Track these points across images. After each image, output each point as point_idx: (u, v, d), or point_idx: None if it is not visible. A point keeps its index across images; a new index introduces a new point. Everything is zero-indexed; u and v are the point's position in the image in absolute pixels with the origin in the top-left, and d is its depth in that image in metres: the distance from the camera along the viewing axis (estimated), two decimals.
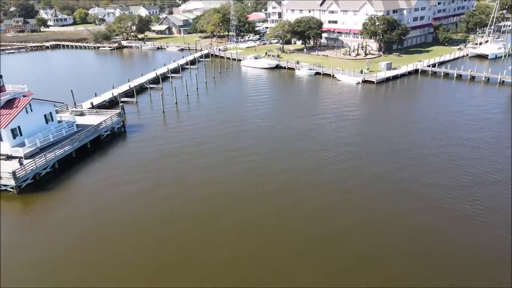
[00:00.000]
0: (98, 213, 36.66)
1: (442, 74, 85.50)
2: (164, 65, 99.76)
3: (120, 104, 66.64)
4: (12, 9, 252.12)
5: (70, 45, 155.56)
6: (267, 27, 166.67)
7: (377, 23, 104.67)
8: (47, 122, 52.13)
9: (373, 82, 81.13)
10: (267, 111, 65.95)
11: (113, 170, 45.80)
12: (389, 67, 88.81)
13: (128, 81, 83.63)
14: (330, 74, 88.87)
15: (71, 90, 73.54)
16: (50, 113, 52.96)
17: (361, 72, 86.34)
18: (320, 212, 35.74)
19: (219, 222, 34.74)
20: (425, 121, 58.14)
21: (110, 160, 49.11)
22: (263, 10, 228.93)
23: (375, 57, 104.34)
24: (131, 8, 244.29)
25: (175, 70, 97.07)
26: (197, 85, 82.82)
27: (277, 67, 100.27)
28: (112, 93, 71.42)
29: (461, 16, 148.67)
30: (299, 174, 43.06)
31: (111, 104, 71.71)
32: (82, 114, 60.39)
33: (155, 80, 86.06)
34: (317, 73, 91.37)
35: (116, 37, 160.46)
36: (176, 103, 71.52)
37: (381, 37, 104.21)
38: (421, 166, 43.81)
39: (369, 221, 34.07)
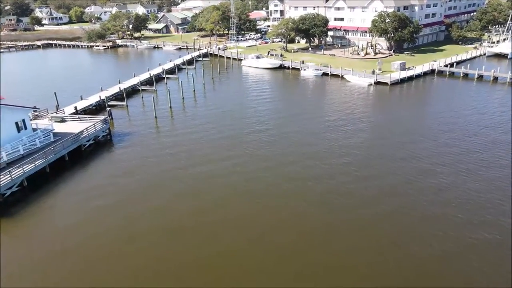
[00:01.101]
0: (69, 251, 29.67)
1: (461, 75, 78.53)
2: (159, 65, 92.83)
3: (107, 109, 59.64)
4: (7, 7, 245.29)
5: (63, 44, 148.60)
6: (268, 26, 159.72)
7: (387, 20, 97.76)
8: (19, 131, 45.17)
9: (387, 83, 74.16)
10: (270, 116, 58.99)
11: (94, 188, 38.88)
12: (402, 67, 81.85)
13: (119, 83, 76.69)
14: (338, 75, 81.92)
15: (55, 93, 66.75)
16: (23, 120, 45.98)
17: (373, 72, 79.40)
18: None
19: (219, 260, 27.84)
20: (452, 129, 51.16)
21: (91, 175, 42.16)
22: (264, 8, 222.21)
23: (386, 57, 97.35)
24: (128, 6, 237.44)
25: (171, 71, 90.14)
26: (194, 87, 75.85)
27: (281, 67, 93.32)
28: (100, 96, 64.39)
29: (472, 13, 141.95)
30: (313, 207, 36.14)
31: (99, 108, 64.77)
32: (63, 120, 53.41)
33: (149, 82, 79.11)
34: (324, 74, 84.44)
35: (111, 36, 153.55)
36: (171, 107, 64.55)
37: (392, 35, 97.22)
38: (458, 201, 36.87)
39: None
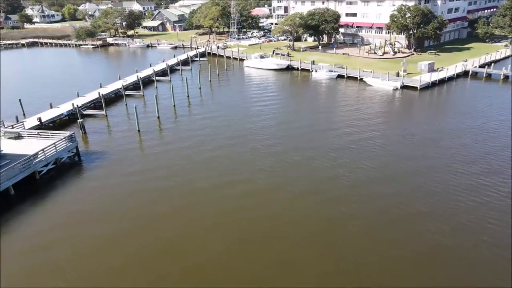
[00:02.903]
0: None
1: (502, 77, 67.20)
2: (150, 66, 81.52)
3: (79, 121, 48.37)
4: None
5: (49, 43, 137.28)
6: (271, 23, 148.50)
7: (408, 15, 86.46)
8: None
9: (416, 87, 62.78)
10: (277, 127, 47.67)
11: (41, 235, 27.82)
12: (431, 68, 70.52)
13: (100, 87, 65.46)
14: (356, 77, 70.59)
15: (19, 100, 55.71)
16: None
17: (397, 74, 68.11)
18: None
19: None
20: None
21: (44, 215, 30.98)
22: (266, 5, 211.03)
23: (407, 56, 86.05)
24: (124, 3, 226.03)
25: (163, 72, 78.86)
26: (189, 92, 64.47)
27: (288, 68, 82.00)
28: (73, 104, 53.07)
29: (492, 9, 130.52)
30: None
31: (73, 118, 53.45)
32: (18, 137, 42.19)
33: (136, 85, 67.82)
34: (339, 76, 73.13)
35: (102, 33, 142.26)
36: (159, 117, 53.27)
37: (414, 31, 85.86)
38: None
39: None
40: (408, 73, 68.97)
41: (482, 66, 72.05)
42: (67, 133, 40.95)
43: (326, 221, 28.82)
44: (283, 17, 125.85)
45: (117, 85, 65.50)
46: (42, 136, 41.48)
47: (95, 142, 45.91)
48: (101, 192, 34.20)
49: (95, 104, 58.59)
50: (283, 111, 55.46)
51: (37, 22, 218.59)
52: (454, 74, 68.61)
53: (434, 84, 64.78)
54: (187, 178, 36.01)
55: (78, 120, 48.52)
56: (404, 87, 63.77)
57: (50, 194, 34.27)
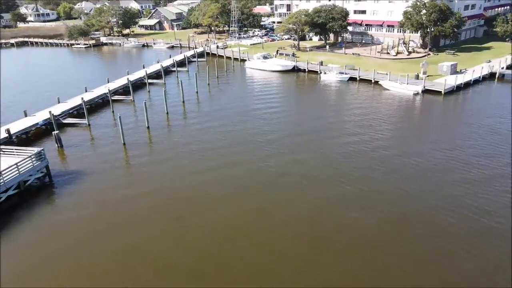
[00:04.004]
0: None
1: None
2: (143, 67, 74.62)
3: (54, 132, 41.53)
4: None
5: (40, 43, 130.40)
6: (273, 22, 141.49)
7: (423, 12, 79.55)
8: None
9: (440, 92, 55.83)
10: (286, 141, 40.78)
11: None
12: (453, 70, 63.63)
13: (86, 91, 58.62)
14: (370, 80, 63.71)
15: None
16: None
17: (417, 77, 61.23)
18: None
19: None
20: None
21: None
22: (267, 4, 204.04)
23: (423, 56, 79.18)
24: (121, 2, 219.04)
25: (157, 74, 71.96)
26: (185, 96, 57.50)
27: (294, 69, 75.08)
28: (50, 111, 46.11)
29: (506, 7, 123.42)
30: None
31: (51, 129, 46.49)
32: None
33: (125, 90, 60.94)
34: (351, 79, 66.24)
35: (96, 32, 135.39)
36: (149, 127, 46.39)
37: (431, 29, 78.88)
38: None
39: None
40: (428, 76, 62.05)
41: (508, 68, 65.23)
42: (35, 149, 34.06)
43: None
44: (285, 16, 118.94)
45: (103, 89, 58.48)
46: (5, 153, 34.55)
47: (73, 158, 39.09)
48: (74, 227, 27.45)
49: (78, 111, 51.72)
50: (291, 120, 48.53)
51: (31, 21, 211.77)
52: (479, 77, 61.68)
53: (459, 88, 57.85)
54: (181, 209, 29.16)
55: (53, 132, 41.61)
56: (426, 91, 56.87)
57: (10, 231, 27.39)
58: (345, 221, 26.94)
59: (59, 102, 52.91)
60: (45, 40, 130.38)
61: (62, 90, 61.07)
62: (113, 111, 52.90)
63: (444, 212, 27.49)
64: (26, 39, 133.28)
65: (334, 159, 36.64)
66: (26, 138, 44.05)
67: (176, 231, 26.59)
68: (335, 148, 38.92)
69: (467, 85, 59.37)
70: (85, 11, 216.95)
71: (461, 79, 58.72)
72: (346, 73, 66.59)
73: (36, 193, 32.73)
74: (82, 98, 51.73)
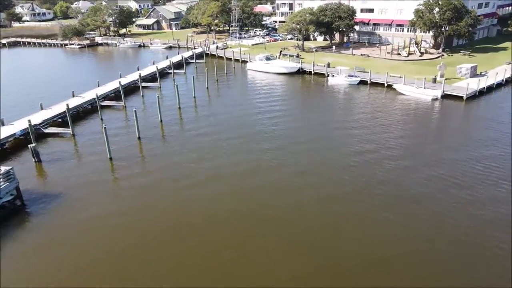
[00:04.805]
0: None
1: None
2: (138, 70, 69.65)
3: (30, 146, 36.61)
4: None
5: (33, 43, 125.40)
6: (275, 21, 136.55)
7: (436, 10, 74.57)
8: None
9: (461, 97, 50.84)
10: (295, 157, 35.82)
11: None
12: (473, 72, 58.71)
13: (73, 96, 53.71)
14: (383, 84, 58.76)
15: None
16: None
17: (434, 80, 56.29)
18: None
19: None
20: None
21: None
22: (268, 3, 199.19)
23: (437, 57, 74.22)
24: (119, 1, 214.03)
25: (152, 77, 67.03)
26: (180, 104, 52.41)
27: (299, 71, 70.11)
28: (29, 120, 41.05)
29: None
30: None
31: (29, 140, 41.61)
32: None
33: (117, 94, 55.98)
34: (361, 82, 61.30)
35: (91, 32, 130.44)
36: (139, 138, 41.46)
37: (446, 29, 73.85)
38: None
39: None
40: (446, 79, 57.09)
41: None
42: (2, 168, 29.13)
43: None
44: (287, 15, 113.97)
45: (91, 94, 53.43)
46: None
47: (51, 176, 34.25)
48: (49, 261, 22.60)
49: (63, 119, 46.76)
50: (298, 131, 43.49)
51: (27, 21, 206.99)
52: (502, 80, 56.70)
53: (481, 93, 52.86)
54: (172, 240, 24.25)
55: (29, 145, 36.66)
56: (444, 96, 51.91)
57: None
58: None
59: (42, 109, 47.94)
60: (38, 40, 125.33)
61: (47, 95, 56.28)
62: (101, 119, 47.97)
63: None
64: (18, 39, 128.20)
65: (346, 181, 31.71)
66: (2, 150, 39.13)
67: (165, 260, 21.69)
68: (347, 165, 33.99)
69: (489, 89, 54.39)
70: (82, 10, 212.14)
71: (483, 82, 53.67)
72: (356, 76, 61.64)
73: (5, 218, 27.80)
74: (67, 105, 46.71)
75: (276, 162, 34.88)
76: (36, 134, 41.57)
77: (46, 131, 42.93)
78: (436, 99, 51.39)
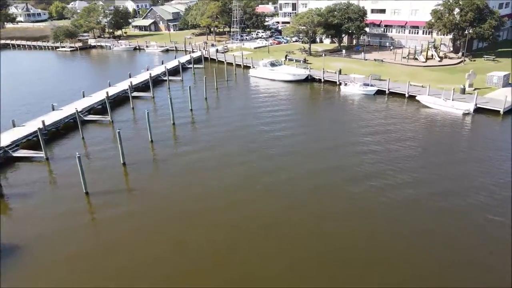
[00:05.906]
0: None
1: None
2: (130, 77, 63.16)
3: None
4: None
5: (23, 45, 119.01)
6: (277, 22, 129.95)
7: (456, 11, 68.04)
8: None
9: (497, 111, 44.22)
10: (304, 185, 29.38)
11: None
12: (506, 81, 52.16)
13: (53, 109, 47.20)
14: (404, 94, 52.19)
15: None
16: None
17: (463, 91, 49.77)
18: None
19: None
20: None
21: None
22: (270, 3, 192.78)
23: (458, 63, 67.63)
24: (116, 2, 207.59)
25: (144, 86, 60.55)
26: (174, 119, 45.78)
27: (307, 79, 63.53)
28: None
29: None
30: None
31: (3, 163, 35.24)
32: None
33: (104, 106, 49.43)
34: (379, 91, 54.76)
35: (85, 34, 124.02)
36: (125, 163, 34.94)
37: (469, 31, 67.27)
38: None
39: None
40: (475, 89, 50.61)
41: None
42: None
43: None
44: (291, 16, 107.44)
45: (78, 106, 46.97)
46: None
47: (16, 214, 27.78)
48: None
49: (38, 139, 40.23)
50: (309, 153, 37.01)
51: (21, 22, 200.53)
52: None
53: None
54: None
55: None
56: (478, 109, 45.36)
57: None
58: None
59: (14, 126, 41.51)
60: (28, 43, 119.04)
61: (24, 109, 49.80)
62: (83, 137, 41.48)
63: None
64: (8, 41, 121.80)
65: (369, 210, 25.23)
66: None
67: None
68: (369, 190, 27.50)
69: None
70: (78, 11, 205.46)
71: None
72: (372, 85, 55.09)
73: None
74: (43, 121, 40.35)
75: (285, 197, 28.37)
76: (3, 159, 35.19)
77: (15, 154, 36.48)
78: (468, 113, 44.82)
